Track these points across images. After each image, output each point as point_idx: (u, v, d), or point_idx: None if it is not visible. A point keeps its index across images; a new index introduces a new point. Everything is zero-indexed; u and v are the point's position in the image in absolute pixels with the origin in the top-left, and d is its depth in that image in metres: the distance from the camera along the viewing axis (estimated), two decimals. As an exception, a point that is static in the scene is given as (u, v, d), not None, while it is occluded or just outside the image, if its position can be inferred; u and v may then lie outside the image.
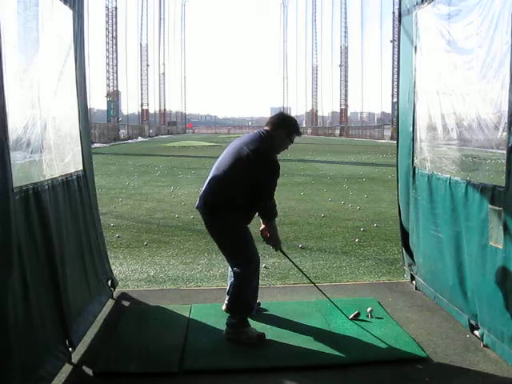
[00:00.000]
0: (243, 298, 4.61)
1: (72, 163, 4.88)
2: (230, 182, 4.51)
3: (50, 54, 4.38)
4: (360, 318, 4.97)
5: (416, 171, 5.73)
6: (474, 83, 4.53)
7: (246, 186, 4.49)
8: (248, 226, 4.73)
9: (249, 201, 4.54)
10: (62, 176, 4.47)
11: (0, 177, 3.17)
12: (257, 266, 4.65)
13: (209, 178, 4.66)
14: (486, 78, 4.28)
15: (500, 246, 3.98)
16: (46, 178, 4.10)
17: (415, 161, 5.76)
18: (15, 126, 3.56)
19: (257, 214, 4.72)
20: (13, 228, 3.27)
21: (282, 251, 5.05)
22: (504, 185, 3.93)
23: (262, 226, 4.79)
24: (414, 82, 5.69)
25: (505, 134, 3.90)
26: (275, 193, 4.64)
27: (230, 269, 4.99)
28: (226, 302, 5.04)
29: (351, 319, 4.94)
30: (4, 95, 3.17)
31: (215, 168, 4.65)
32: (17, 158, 3.58)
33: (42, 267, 3.81)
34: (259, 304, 5.20)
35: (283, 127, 4.69)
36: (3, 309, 3.15)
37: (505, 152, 3.87)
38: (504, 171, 3.89)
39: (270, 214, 4.69)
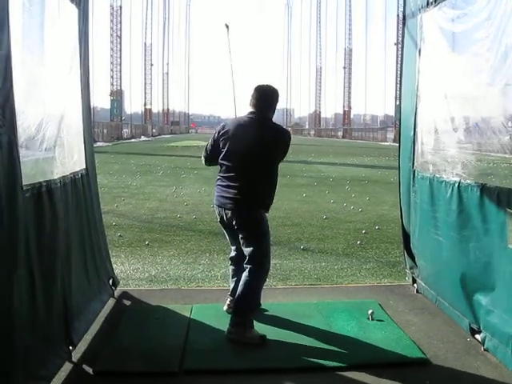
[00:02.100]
0: (251, 295, 4.63)
1: (78, 161, 4.89)
2: (266, 171, 4.65)
3: (57, 53, 4.39)
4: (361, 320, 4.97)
5: (416, 174, 5.72)
6: (481, 86, 4.51)
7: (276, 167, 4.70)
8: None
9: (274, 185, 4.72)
10: (71, 174, 4.49)
11: (9, 174, 3.18)
12: (269, 267, 4.76)
13: (235, 177, 4.61)
14: (496, 81, 4.26)
15: None
16: (59, 176, 4.12)
17: (415, 164, 5.76)
18: (28, 124, 3.57)
19: None
20: (21, 225, 3.27)
21: None
22: None
23: None
24: (417, 85, 5.68)
25: None
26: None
27: (231, 268, 5.01)
28: (228, 302, 5.04)
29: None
30: (13, 93, 3.19)
31: (240, 164, 4.61)
32: (28, 155, 3.59)
33: (49, 265, 3.81)
34: (260, 305, 5.19)
35: (274, 102, 4.81)
36: (9, 307, 3.15)
37: None
38: None
39: None
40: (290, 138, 4.74)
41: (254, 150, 4.53)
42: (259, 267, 4.61)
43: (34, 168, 3.66)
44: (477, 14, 4.49)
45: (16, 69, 3.22)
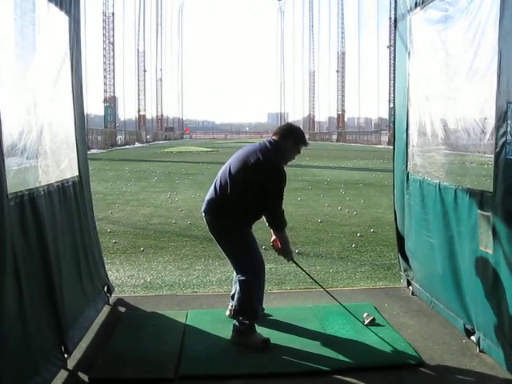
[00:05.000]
0: (249, 304, 4.61)
1: (68, 169, 4.87)
2: (236, 188, 4.53)
3: (46, 60, 4.38)
4: (356, 323, 4.96)
5: (409, 177, 5.75)
6: (461, 88, 4.56)
7: (251, 193, 4.51)
8: (253, 230, 4.78)
9: (253, 208, 4.57)
10: (57, 182, 4.46)
11: None
12: (261, 272, 4.67)
13: (215, 182, 4.68)
14: (473, 83, 4.32)
15: (490, 251, 4.00)
16: (42, 184, 4.09)
17: (408, 166, 5.79)
18: (10, 132, 3.56)
19: (267, 224, 4.74)
20: (7, 234, 3.26)
21: (294, 261, 5.04)
22: (491, 190, 3.95)
23: (273, 237, 4.82)
24: (408, 88, 5.72)
25: (492, 138, 3.93)
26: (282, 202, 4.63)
27: (235, 273, 5.00)
28: (230, 307, 5.04)
29: (367, 325, 4.90)
30: None
31: (222, 173, 4.66)
32: (12, 163, 3.58)
33: (37, 273, 3.80)
34: (263, 309, 5.18)
35: (291, 137, 4.72)
36: None
37: (492, 156, 3.89)
38: (491, 176, 3.91)
39: (277, 224, 4.69)
40: (275, 180, 4.49)
41: (233, 164, 4.61)
42: (245, 278, 4.59)
43: (15, 177, 3.64)
44: (459, 16, 4.55)
45: (3, 77, 3.22)
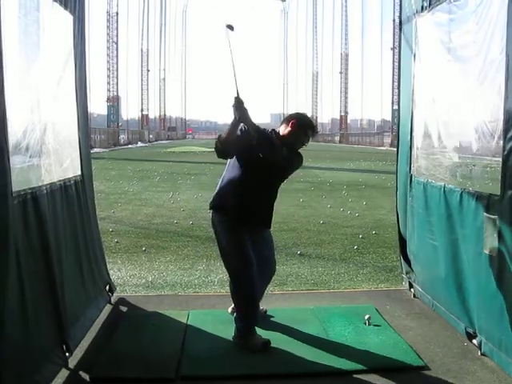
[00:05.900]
0: (239, 305, 4.62)
1: (70, 168, 4.87)
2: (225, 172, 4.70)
3: (50, 59, 4.38)
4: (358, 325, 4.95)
5: (412, 179, 5.75)
6: (469, 91, 4.55)
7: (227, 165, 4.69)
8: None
9: (226, 180, 4.62)
10: (60, 181, 4.46)
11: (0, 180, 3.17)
12: (243, 273, 4.50)
13: None
14: (481, 86, 4.30)
15: (495, 254, 3.99)
16: (45, 183, 4.09)
17: (412, 168, 5.78)
18: (14, 130, 3.56)
19: None
20: (11, 233, 3.27)
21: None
22: (499, 193, 3.94)
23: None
24: (413, 90, 5.72)
25: (500, 141, 3.92)
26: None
27: None
28: (233, 305, 5.05)
29: None
30: (4, 101, 3.18)
31: None
32: (16, 162, 3.58)
33: (39, 272, 3.80)
34: (265, 311, 5.19)
35: (295, 119, 4.66)
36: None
37: (500, 160, 3.88)
38: (499, 179, 3.91)
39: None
40: None
41: None
42: (232, 280, 4.64)
43: (19, 175, 3.65)
44: (467, 19, 4.53)
45: (8, 75, 3.22)
